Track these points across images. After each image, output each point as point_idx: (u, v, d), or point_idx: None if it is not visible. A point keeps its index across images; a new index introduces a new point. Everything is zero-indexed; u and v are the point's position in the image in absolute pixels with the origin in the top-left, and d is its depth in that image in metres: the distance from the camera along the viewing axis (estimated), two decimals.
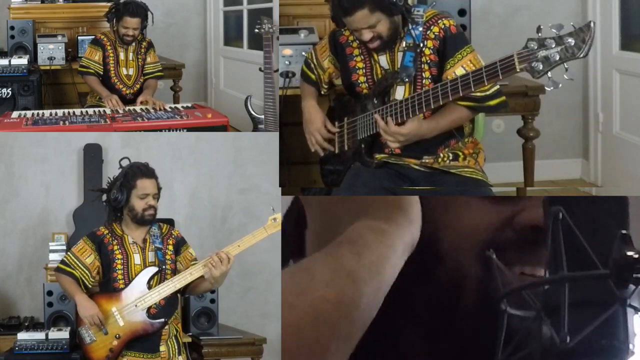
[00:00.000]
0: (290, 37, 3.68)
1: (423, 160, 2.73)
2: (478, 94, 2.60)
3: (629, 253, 0.84)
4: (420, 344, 1.13)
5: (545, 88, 2.19)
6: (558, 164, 4.52)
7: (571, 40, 2.11)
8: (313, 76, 2.98)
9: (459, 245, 1.12)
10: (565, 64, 2.13)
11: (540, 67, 2.15)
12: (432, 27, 2.62)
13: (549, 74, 2.16)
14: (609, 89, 4.26)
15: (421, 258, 1.09)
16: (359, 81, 2.76)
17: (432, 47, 2.62)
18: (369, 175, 2.73)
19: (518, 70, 2.21)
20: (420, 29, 2.62)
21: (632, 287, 0.86)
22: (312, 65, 2.97)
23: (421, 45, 2.62)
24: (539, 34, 2.15)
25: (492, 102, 2.65)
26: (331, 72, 2.92)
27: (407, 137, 2.56)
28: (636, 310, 0.88)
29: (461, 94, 2.41)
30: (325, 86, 2.98)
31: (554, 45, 2.13)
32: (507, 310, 0.96)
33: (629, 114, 4.16)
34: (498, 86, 2.65)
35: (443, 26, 2.62)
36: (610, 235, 0.87)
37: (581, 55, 2.12)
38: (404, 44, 2.65)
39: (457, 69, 2.57)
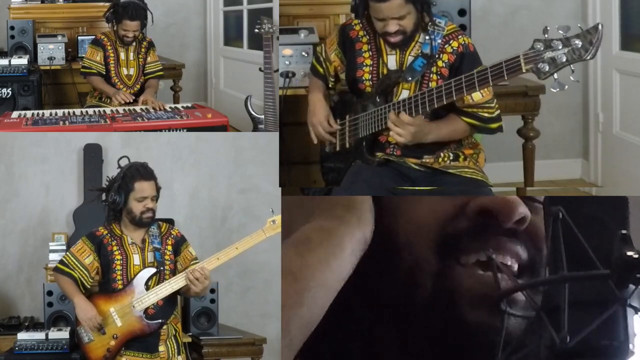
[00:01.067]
0: (290, 37, 3.68)
1: (423, 160, 2.73)
2: (485, 114, 2.62)
3: (629, 253, 0.84)
4: (389, 337, 1.15)
5: (551, 89, 2.18)
6: (558, 164, 4.52)
7: (578, 42, 2.11)
8: (321, 69, 2.98)
9: (415, 238, 1.13)
10: (571, 65, 2.13)
11: (547, 68, 2.15)
12: (451, 42, 2.63)
13: (555, 75, 2.15)
14: (609, 89, 4.26)
15: (379, 254, 1.11)
16: (363, 78, 2.76)
17: (446, 61, 2.62)
18: (370, 172, 2.74)
19: (524, 70, 2.21)
20: (439, 41, 2.62)
21: (632, 287, 0.86)
22: (322, 59, 2.98)
23: (436, 56, 2.63)
24: (546, 35, 2.14)
25: (494, 125, 2.68)
26: (337, 66, 2.92)
27: (415, 129, 2.54)
28: (636, 310, 0.88)
29: (465, 94, 2.42)
30: (332, 79, 2.98)
31: (560, 47, 2.12)
32: (507, 310, 0.96)
33: (629, 114, 4.15)
34: (499, 111, 2.68)
35: (463, 42, 2.63)
36: (610, 235, 0.87)
37: (588, 58, 2.13)
38: (418, 49, 2.65)
39: None
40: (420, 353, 1.13)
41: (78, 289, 2.90)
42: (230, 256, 2.93)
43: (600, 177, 4.42)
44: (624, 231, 0.86)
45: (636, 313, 0.88)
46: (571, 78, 2.14)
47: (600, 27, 2.11)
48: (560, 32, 2.12)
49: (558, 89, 2.16)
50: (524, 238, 1.13)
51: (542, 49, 2.15)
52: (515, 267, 1.13)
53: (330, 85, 3.00)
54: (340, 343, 1.09)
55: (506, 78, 2.27)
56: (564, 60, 2.12)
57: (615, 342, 0.86)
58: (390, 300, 1.14)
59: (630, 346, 0.87)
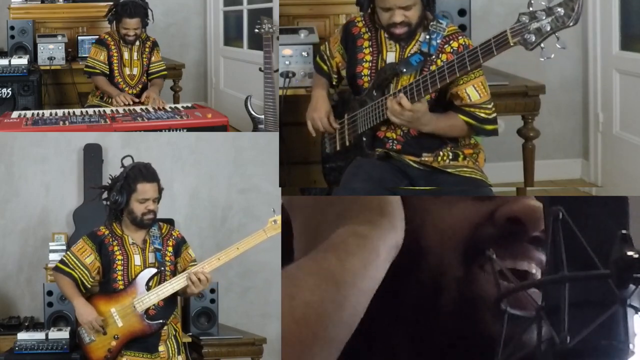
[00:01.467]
0: (290, 37, 3.68)
1: (422, 158, 2.74)
2: (482, 114, 2.64)
3: (629, 253, 0.84)
4: (407, 344, 1.14)
5: (540, 59, 2.25)
6: (558, 164, 4.52)
7: (561, 10, 2.18)
8: (325, 67, 3.00)
9: (441, 244, 1.13)
10: (556, 33, 2.19)
11: (533, 38, 2.22)
12: (451, 42, 2.65)
13: (542, 44, 2.22)
14: (609, 89, 4.26)
15: (404, 258, 1.10)
16: (362, 74, 2.77)
17: (445, 61, 2.62)
18: (371, 166, 2.75)
19: (512, 44, 2.27)
20: (439, 41, 2.64)
21: (632, 287, 0.86)
22: (325, 57, 3.00)
23: (434, 56, 2.64)
24: (530, 8, 2.21)
25: (490, 127, 2.69)
26: (338, 62, 2.94)
27: (412, 114, 2.53)
28: (636, 310, 0.88)
29: (458, 74, 2.46)
30: (335, 76, 2.99)
31: (544, 17, 2.19)
32: (507, 310, 0.96)
33: (629, 114, 4.15)
34: (496, 114, 2.70)
35: (463, 43, 2.65)
36: (610, 235, 0.87)
37: (571, 24, 2.20)
38: (417, 47, 2.67)
39: (469, 87, 2.60)
40: (436, 357, 1.12)
41: (78, 290, 2.90)
42: (231, 257, 2.94)
43: (600, 177, 4.42)
44: (624, 231, 0.86)
45: (636, 313, 0.88)
46: (557, 45, 2.21)
47: None
48: (543, 2, 2.19)
49: (546, 58, 2.22)
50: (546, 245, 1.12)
51: (527, 21, 2.21)
52: (539, 275, 1.12)
53: (334, 83, 3.01)
54: (360, 346, 1.07)
55: (495, 54, 2.33)
56: (549, 29, 2.19)
57: (615, 342, 0.86)
58: (413, 304, 1.13)
59: (630, 346, 0.87)
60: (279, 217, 2.95)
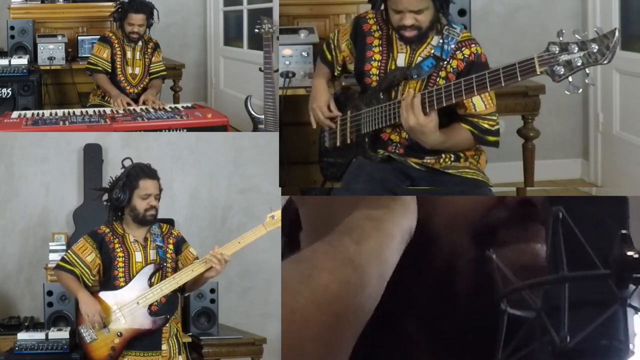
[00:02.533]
0: (290, 37, 3.68)
1: (424, 160, 2.73)
2: (485, 125, 2.61)
3: (629, 253, 0.84)
4: (420, 329, 1.14)
5: (565, 92, 2.17)
6: (558, 164, 4.52)
7: (595, 46, 2.11)
8: (330, 56, 2.97)
9: (452, 227, 1.13)
10: (587, 69, 2.13)
11: (562, 71, 2.14)
12: (463, 49, 2.61)
13: (570, 78, 2.15)
14: (609, 89, 4.26)
15: (416, 243, 1.10)
16: (370, 72, 2.75)
17: (455, 67, 2.60)
18: (372, 167, 2.74)
19: (538, 73, 2.19)
20: (453, 46, 2.60)
21: (632, 287, 0.86)
22: (332, 46, 2.97)
23: (446, 61, 2.61)
24: (560, 38, 2.13)
25: (492, 138, 2.66)
26: (345, 56, 2.92)
27: (422, 128, 2.46)
28: (636, 310, 0.88)
29: (476, 93, 2.39)
30: (339, 68, 2.97)
31: (576, 50, 2.12)
32: (507, 310, 0.96)
33: (629, 114, 4.15)
34: (499, 126, 2.66)
35: (475, 52, 2.61)
36: (610, 235, 0.87)
37: (605, 62, 2.13)
38: (429, 51, 2.64)
39: (475, 97, 2.54)
40: (452, 344, 1.12)
41: (81, 284, 2.91)
42: (232, 250, 2.93)
43: (600, 177, 4.42)
44: (624, 231, 0.86)
45: (636, 313, 0.88)
46: (586, 81, 2.14)
47: (617, 32, 2.11)
48: (577, 35, 2.11)
49: (573, 92, 2.15)
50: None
51: (557, 51, 2.14)
52: None
53: (335, 74, 2.99)
54: (375, 331, 1.07)
55: (519, 79, 2.25)
56: (580, 63, 2.12)
57: (615, 342, 0.86)
58: (426, 289, 1.13)
59: (630, 346, 0.87)
60: (277, 213, 2.96)
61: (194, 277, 2.93)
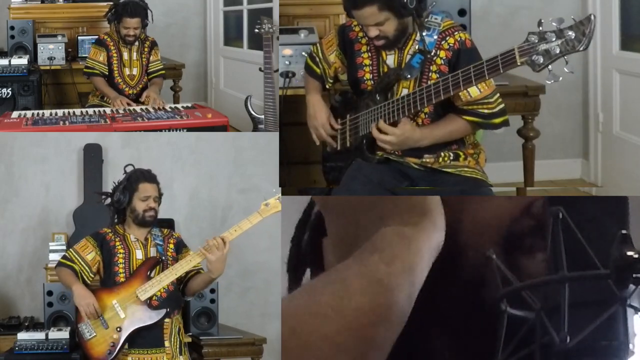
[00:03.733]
0: (290, 37, 3.68)
1: (423, 160, 2.73)
2: (485, 110, 2.62)
3: (629, 253, 0.84)
4: (448, 342, 1.13)
5: (546, 81, 2.19)
6: (558, 164, 4.52)
7: (571, 33, 2.13)
8: (318, 70, 2.96)
9: (479, 240, 1.12)
10: (565, 57, 2.14)
11: (541, 60, 2.16)
12: (447, 38, 2.62)
13: (550, 67, 2.16)
14: (609, 89, 4.26)
15: (443, 256, 1.09)
16: (364, 78, 2.76)
17: (444, 58, 2.61)
18: (370, 169, 2.74)
19: (519, 63, 2.21)
20: (435, 37, 2.61)
21: (632, 287, 0.86)
22: (317, 59, 2.96)
23: (432, 53, 2.62)
24: (540, 28, 2.16)
25: (497, 120, 2.66)
26: (337, 67, 2.92)
27: (399, 138, 2.57)
28: (636, 310, 0.88)
29: (462, 88, 2.41)
30: (331, 80, 2.97)
31: (554, 39, 2.14)
32: (507, 310, 0.96)
33: (629, 114, 4.16)
34: (503, 105, 2.66)
35: (459, 39, 2.61)
36: (610, 235, 0.87)
37: (581, 48, 2.14)
38: (415, 47, 2.65)
39: None
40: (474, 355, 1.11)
41: (77, 279, 2.92)
42: (229, 238, 2.93)
43: (600, 177, 4.42)
44: (624, 231, 0.86)
45: (636, 313, 0.88)
46: (565, 69, 2.16)
47: (592, 17, 2.13)
48: (554, 24, 2.14)
49: (553, 81, 2.17)
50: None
51: (536, 41, 2.16)
52: None
53: (327, 86, 2.99)
54: (404, 347, 1.06)
55: (502, 71, 2.28)
56: (558, 51, 2.13)
57: (615, 342, 0.86)
58: (454, 303, 1.12)
59: (630, 346, 0.87)
60: (271, 200, 2.98)
61: (191, 277, 2.95)
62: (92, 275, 2.96)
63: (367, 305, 0.97)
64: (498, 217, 1.13)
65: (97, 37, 4.21)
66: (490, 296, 1.08)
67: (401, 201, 1.10)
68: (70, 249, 3.04)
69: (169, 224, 3.60)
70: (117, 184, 3.06)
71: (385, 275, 1.00)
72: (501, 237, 1.11)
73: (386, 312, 0.98)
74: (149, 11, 3.98)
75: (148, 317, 2.90)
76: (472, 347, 1.11)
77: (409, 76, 2.63)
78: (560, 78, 2.16)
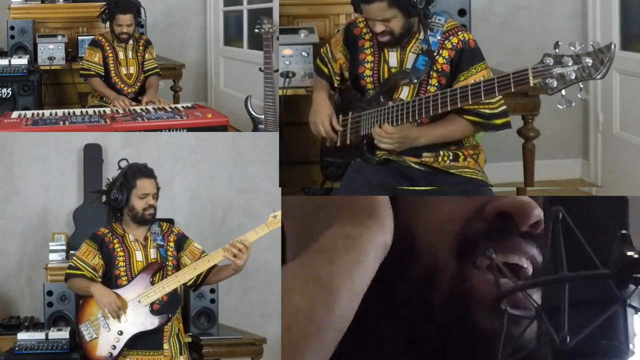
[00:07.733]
0: (290, 37, 3.68)
1: (422, 159, 2.73)
2: (487, 110, 2.62)
3: (629, 253, 0.84)
4: (401, 342, 1.15)
5: (557, 105, 2.14)
6: (558, 164, 4.52)
7: (589, 60, 2.07)
8: (326, 70, 2.98)
9: (432, 241, 1.13)
10: (580, 83, 2.10)
11: (555, 84, 2.11)
12: (450, 38, 2.63)
13: (563, 91, 2.11)
14: (609, 89, 4.26)
15: (395, 258, 1.11)
16: (364, 74, 2.77)
17: (446, 57, 2.62)
18: (370, 170, 2.75)
19: (531, 84, 2.17)
20: (439, 37, 2.62)
21: (632, 287, 0.86)
22: (326, 60, 2.98)
23: (436, 53, 2.62)
24: (556, 50, 2.11)
25: (499, 121, 2.66)
26: (342, 63, 2.93)
27: (399, 138, 2.58)
28: (636, 310, 0.88)
29: (470, 102, 2.41)
30: (338, 78, 2.97)
31: (570, 63, 2.09)
32: (507, 310, 0.96)
33: (629, 114, 4.16)
34: (505, 107, 2.66)
35: (462, 38, 2.63)
36: (610, 235, 0.87)
37: (598, 77, 2.08)
38: (418, 46, 2.66)
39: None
40: (430, 354, 1.13)
41: (92, 281, 2.91)
42: (251, 240, 2.91)
43: (600, 177, 4.42)
44: (624, 231, 0.86)
45: (636, 313, 0.88)
46: (579, 96, 2.10)
47: (613, 46, 2.07)
48: (572, 48, 2.08)
49: (565, 106, 2.11)
50: (539, 241, 1.13)
51: (551, 64, 2.12)
52: (530, 269, 1.13)
53: (335, 85, 3.00)
54: (352, 345, 1.08)
55: (513, 90, 2.25)
56: (573, 77, 2.09)
57: (615, 342, 0.86)
58: (405, 303, 1.14)
59: (630, 346, 0.87)
60: (279, 213, 2.96)
61: (221, 274, 2.95)
62: (100, 279, 2.96)
63: (306, 304, 0.99)
64: (450, 220, 1.14)
65: (94, 37, 4.21)
66: (442, 298, 1.11)
67: (349, 202, 1.12)
68: (74, 258, 3.01)
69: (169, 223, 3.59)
70: (112, 180, 3.01)
71: (326, 274, 1.02)
72: (453, 240, 1.13)
73: (326, 312, 1.00)
74: (141, 8, 3.99)
75: (150, 323, 2.89)
76: (425, 347, 1.13)
77: (415, 80, 2.64)
78: (573, 104, 2.11)
